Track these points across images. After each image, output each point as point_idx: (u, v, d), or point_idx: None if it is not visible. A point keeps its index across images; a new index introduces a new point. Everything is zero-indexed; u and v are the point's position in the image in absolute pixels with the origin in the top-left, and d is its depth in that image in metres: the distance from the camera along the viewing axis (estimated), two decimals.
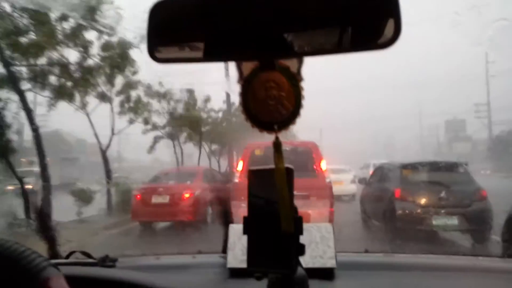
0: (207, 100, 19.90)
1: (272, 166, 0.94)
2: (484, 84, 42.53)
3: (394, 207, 7.61)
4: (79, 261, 1.50)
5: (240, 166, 8.42)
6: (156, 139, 17.99)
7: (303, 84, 0.85)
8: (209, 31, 0.79)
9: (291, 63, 0.85)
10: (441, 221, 7.33)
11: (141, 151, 18.34)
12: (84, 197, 11.53)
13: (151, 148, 18.25)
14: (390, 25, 0.75)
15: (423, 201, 7.54)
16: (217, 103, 21.34)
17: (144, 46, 0.82)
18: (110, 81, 12.78)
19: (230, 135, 20.03)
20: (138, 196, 10.40)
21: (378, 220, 8.56)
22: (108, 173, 13.34)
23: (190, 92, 18.54)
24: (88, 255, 1.52)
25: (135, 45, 11.62)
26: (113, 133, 13.84)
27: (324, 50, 0.80)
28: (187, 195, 9.95)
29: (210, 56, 0.82)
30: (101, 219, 11.40)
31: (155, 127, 17.53)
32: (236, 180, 8.18)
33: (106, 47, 11.75)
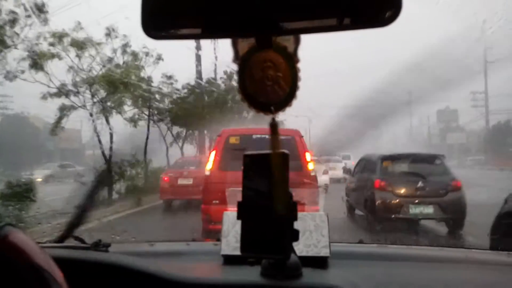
0: (158, 59, 13.99)
1: (268, 151, 0.89)
2: (482, 70, 39.54)
3: (374, 197, 7.71)
4: (72, 245, 1.43)
5: (212, 156, 7.10)
6: (64, 111, 12.38)
7: (300, 65, 0.81)
8: (205, 6, 0.74)
9: (288, 43, 0.80)
10: (417, 210, 7.45)
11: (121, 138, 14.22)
12: None
13: (56, 125, 12.46)
14: (390, 2, 0.71)
15: (401, 191, 7.66)
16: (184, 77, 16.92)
17: None
18: None
19: (201, 116, 15.72)
20: (166, 179, 11.84)
21: (360, 210, 8.67)
22: None
23: (129, 50, 13.11)
24: (81, 240, 1.45)
25: None
26: None
27: (323, 27, 0.75)
28: None
29: (206, 32, 0.77)
30: None
31: (62, 91, 11.86)
32: (207, 173, 6.90)
33: None
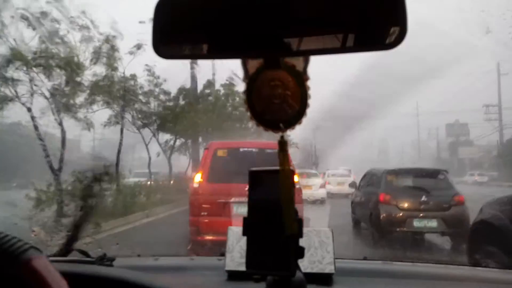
0: (138, 48, 10.76)
1: (274, 167, 0.88)
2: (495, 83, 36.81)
3: (379, 211, 7.69)
4: (77, 259, 1.41)
5: (199, 169, 6.84)
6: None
7: (309, 83, 0.79)
8: (214, 27, 0.74)
9: (297, 62, 0.79)
10: (421, 223, 7.43)
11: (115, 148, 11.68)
12: None
13: None
14: (395, 27, 0.70)
15: (405, 204, 7.64)
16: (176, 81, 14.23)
17: None
18: None
19: (195, 123, 13.50)
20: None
21: (365, 223, 8.62)
22: None
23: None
24: (85, 254, 1.43)
25: None
26: None
27: (328, 49, 0.75)
28: None
29: (214, 52, 0.77)
30: None
31: None
32: (196, 185, 6.50)
33: None
